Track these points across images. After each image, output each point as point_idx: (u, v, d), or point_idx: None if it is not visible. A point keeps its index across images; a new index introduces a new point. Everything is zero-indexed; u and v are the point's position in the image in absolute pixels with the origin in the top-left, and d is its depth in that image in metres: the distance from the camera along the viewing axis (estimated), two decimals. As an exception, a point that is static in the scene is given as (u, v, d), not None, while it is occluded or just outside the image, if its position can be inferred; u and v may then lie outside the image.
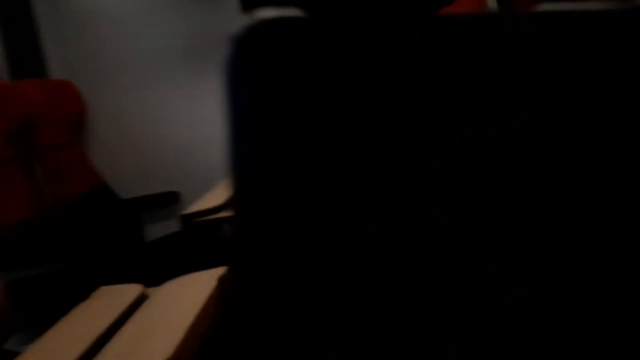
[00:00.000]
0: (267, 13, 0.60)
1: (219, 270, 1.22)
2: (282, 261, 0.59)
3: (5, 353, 1.01)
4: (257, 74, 0.59)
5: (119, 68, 2.78)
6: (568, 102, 0.56)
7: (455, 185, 0.56)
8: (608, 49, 0.56)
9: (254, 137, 0.61)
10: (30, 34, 2.68)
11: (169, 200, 2.80)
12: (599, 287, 0.56)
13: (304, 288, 0.58)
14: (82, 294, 1.23)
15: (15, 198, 2.01)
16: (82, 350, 0.94)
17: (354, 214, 0.57)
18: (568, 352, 0.56)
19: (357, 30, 0.57)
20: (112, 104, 2.80)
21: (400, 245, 0.56)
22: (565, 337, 0.55)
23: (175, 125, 2.83)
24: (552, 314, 0.56)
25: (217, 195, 2.16)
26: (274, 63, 0.59)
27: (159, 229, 2.72)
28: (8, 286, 1.80)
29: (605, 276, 0.56)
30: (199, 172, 2.80)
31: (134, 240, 2.63)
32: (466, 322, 0.55)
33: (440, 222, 0.56)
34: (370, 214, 0.57)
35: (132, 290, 1.17)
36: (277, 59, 0.58)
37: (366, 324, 0.56)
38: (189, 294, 1.13)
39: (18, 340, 1.15)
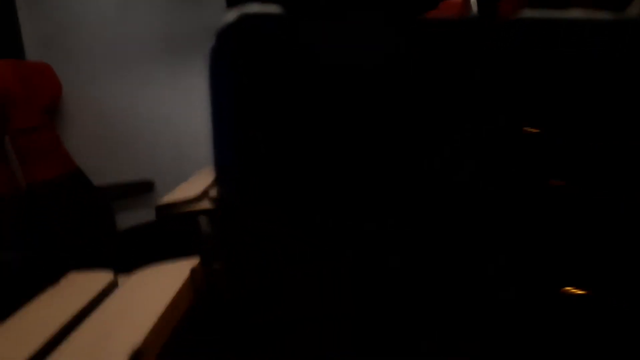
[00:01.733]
0: (250, 9, 0.60)
1: (192, 261, 1.21)
2: (266, 257, 0.58)
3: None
4: (237, 66, 0.59)
5: (98, 52, 2.73)
6: (548, 108, 0.57)
7: (450, 185, 0.57)
8: (588, 57, 0.57)
9: (234, 130, 0.61)
10: (7, 13, 2.62)
11: (143, 189, 2.76)
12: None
13: (297, 288, 0.58)
14: (51, 280, 1.21)
15: (-15, 180, 1.97)
16: (48, 336, 0.92)
17: (342, 213, 0.56)
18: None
19: (336, 29, 0.57)
20: (89, 89, 2.75)
21: (399, 244, 0.56)
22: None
23: (152, 113, 2.79)
24: (547, 311, 0.56)
25: (192, 186, 2.14)
26: (254, 57, 0.58)
27: (132, 218, 2.69)
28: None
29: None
30: (174, 162, 2.77)
31: (106, 228, 2.59)
32: (466, 320, 0.56)
33: (437, 221, 0.57)
34: (360, 214, 0.57)
35: (102, 277, 1.16)
36: (258, 53, 0.58)
37: (364, 323, 0.56)
38: (161, 283, 1.11)
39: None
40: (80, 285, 1.16)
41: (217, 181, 0.62)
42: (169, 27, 2.74)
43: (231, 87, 0.59)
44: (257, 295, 0.59)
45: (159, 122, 2.79)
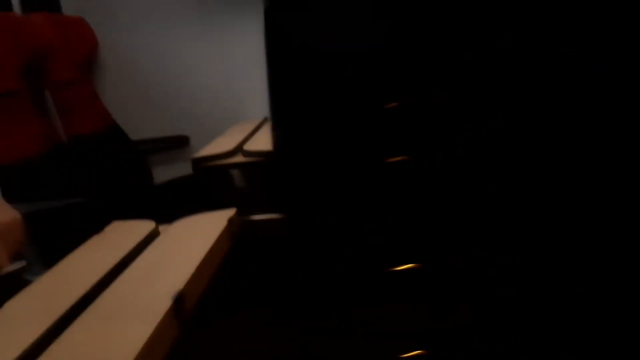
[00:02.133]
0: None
1: (229, 212, 1.24)
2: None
3: (19, 282, 1.04)
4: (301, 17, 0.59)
5: (132, 7, 2.74)
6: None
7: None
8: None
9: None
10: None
11: (178, 143, 2.81)
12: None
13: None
14: (94, 229, 1.25)
15: (28, 131, 2.02)
16: (95, 281, 0.96)
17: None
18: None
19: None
20: (124, 44, 2.78)
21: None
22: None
23: (187, 69, 2.81)
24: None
25: (226, 140, 2.17)
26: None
27: (168, 171, 2.74)
28: (23, 219, 1.83)
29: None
30: (208, 117, 2.80)
31: (143, 181, 2.65)
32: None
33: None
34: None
35: (144, 226, 1.20)
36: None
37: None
38: (200, 232, 1.15)
39: (32, 272, 1.17)
40: (123, 234, 1.20)
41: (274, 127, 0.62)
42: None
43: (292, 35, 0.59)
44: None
45: (194, 77, 2.80)
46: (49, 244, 1.80)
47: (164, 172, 2.74)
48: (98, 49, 2.74)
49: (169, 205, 2.28)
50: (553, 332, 0.58)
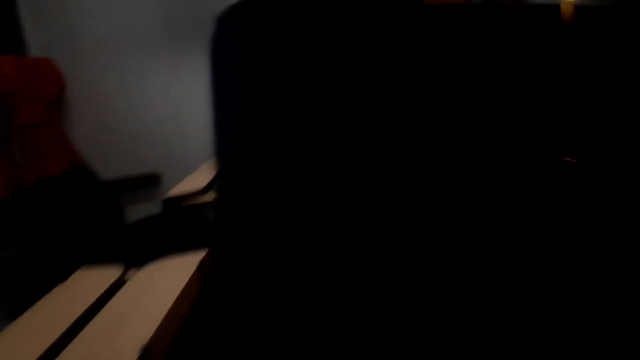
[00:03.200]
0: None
1: (199, 255, 1.22)
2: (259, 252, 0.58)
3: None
4: (245, 47, 0.58)
5: (100, 46, 2.73)
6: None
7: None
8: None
9: (237, 117, 0.60)
10: (8, 11, 2.62)
11: (150, 182, 2.77)
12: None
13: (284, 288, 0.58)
14: (61, 275, 1.22)
15: (-7, 176, 1.98)
16: (59, 333, 0.93)
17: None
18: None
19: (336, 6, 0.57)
20: (92, 83, 2.76)
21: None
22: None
23: (157, 106, 2.79)
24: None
25: (198, 178, 2.15)
26: (264, 36, 0.58)
27: (140, 210, 2.70)
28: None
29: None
30: (180, 154, 2.77)
31: (114, 221, 2.60)
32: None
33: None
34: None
35: (111, 273, 1.17)
36: (268, 31, 0.57)
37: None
38: (169, 278, 1.12)
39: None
40: (90, 281, 1.17)
41: (217, 171, 0.61)
42: (170, 15, 2.72)
43: (236, 70, 0.58)
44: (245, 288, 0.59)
45: (164, 115, 2.79)
46: (12, 292, 1.74)
47: (137, 211, 2.70)
48: (66, 89, 2.72)
49: (140, 246, 2.24)
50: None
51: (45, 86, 2.52)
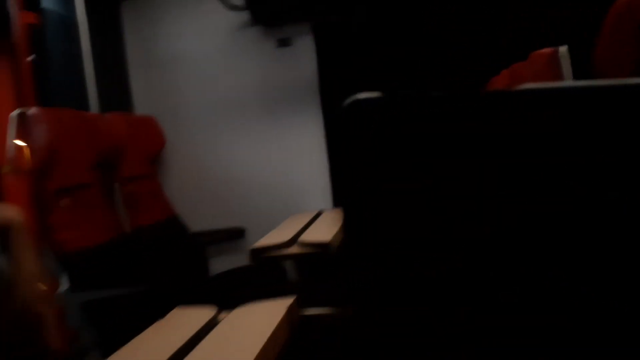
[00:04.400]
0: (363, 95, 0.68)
1: (288, 300, 1.26)
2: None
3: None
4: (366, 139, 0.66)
5: (199, 107, 2.94)
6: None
7: None
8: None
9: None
10: (120, 72, 2.89)
11: (234, 235, 2.88)
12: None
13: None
14: (154, 316, 1.29)
15: (96, 221, 2.13)
16: (158, 365, 0.98)
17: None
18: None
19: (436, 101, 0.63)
20: (189, 141, 2.95)
21: None
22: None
23: (245, 164, 2.94)
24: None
25: (282, 232, 2.21)
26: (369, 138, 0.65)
27: (224, 263, 2.79)
28: (85, 306, 1.89)
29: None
30: (264, 211, 2.87)
31: (200, 271, 2.70)
32: None
33: None
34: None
35: (205, 312, 1.22)
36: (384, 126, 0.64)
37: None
38: (260, 319, 1.16)
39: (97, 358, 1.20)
40: (186, 319, 1.23)
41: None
42: (264, 83, 2.91)
43: (363, 156, 0.65)
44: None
45: (252, 172, 2.93)
46: (111, 331, 1.84)
47: (220, 263, 2.79)
48: (164, 146, 2.92)
49: (227, 294, 2.31)
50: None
51: (148, 143, 2.72)
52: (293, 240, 2.02)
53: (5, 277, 1.16)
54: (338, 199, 2.91)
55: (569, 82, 1.42)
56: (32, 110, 2.03)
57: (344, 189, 0.66)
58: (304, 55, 2.86)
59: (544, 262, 0.58)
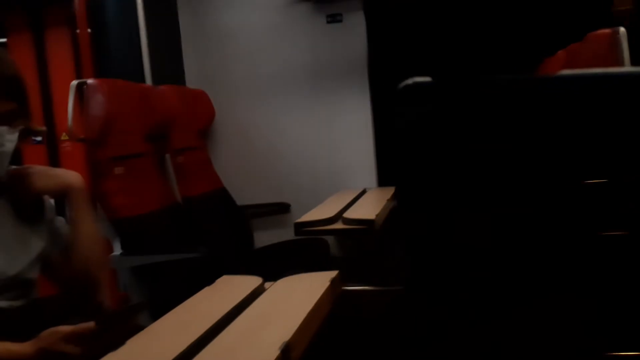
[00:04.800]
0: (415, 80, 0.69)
1: (332, 273, 1.28)
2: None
3: (134, 327, 1.12)
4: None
5: (248, 83, 2.97)
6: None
7: None
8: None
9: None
10: (173, 45, 2.94)
11: (280, 209, 2.92)
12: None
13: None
14: (201, 283, 1.33)
15: (147, 189, 2.21)
16: (206, 329, 1.02)
17: None
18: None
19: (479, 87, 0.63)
20: (237, 115, 2.99)
21: None
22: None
23: (292, 140, 2.96)
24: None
25: (326, 208, 2.24)
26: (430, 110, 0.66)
27: (268, 236, 2.84)
28: (136, 270, 1.98)
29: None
30: (308, 187, 2.90)
31: (246, 243, 2.77)
32: None
33: None
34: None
35: (252, 281, 1.26)
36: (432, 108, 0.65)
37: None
38: (304, 289, 1.19)
39: (146, 319, 1.26)
40: (233, 287, 1.27)
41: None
42: (313, 59, 2.91)
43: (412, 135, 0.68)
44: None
45: (299, 148, 2.95)
46: (159, 293, 1.92)
47: (266, 237, 2.85)
48: (214, 120, 2.97)
49: (272, 266, 2.37)
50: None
51: (198, 115, 2.78)
52: (337, 217, 2.04)
53: (66, 239, 1.23)
54: (383, 178, 2.92)
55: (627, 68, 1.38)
56: (91, 81, 2.10)
57: (395, 170, 0.68)
58: (354, 32, 2.84)
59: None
